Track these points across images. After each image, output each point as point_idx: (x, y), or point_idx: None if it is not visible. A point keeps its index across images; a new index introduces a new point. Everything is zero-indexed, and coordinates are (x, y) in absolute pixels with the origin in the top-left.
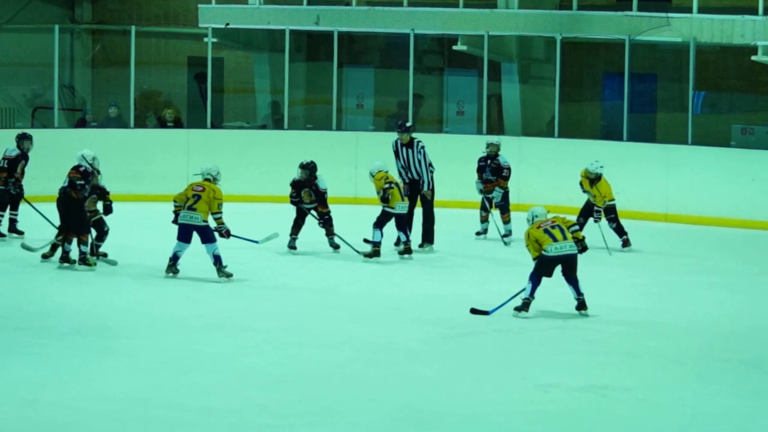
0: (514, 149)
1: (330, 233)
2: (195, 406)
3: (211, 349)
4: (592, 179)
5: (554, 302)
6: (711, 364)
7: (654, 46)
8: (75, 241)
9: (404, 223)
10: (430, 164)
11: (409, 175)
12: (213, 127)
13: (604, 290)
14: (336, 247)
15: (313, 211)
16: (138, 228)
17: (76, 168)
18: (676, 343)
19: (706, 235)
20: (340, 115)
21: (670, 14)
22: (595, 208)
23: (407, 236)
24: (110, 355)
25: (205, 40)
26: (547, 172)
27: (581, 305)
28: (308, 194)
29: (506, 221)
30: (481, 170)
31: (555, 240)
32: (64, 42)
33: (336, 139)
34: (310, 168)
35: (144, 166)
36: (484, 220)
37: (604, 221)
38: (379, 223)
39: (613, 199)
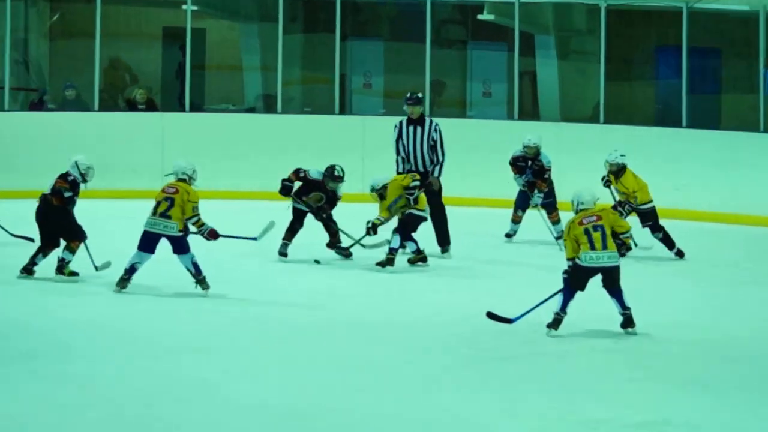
0: (550, 138)
1: (333, 238)
2: None
3: (189, 375)
4: (615, 172)
5: (599, 318)
6: None
7: (717, 15)
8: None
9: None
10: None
11: (412, 164)
12: (192, 110)
13: (656, 304)
14: (348, 255)
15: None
16: (102, 231)
17: (64, 177)
18: (745, 367)
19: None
20: (344, 97)
21: None
22: (626, 207)
23: (416, 242)
24: (67, 382)
25: (184, 7)
26: (591, 164)
27: (627, 322)
28: (318, 198)
29: (556, 221)
30: (520, 170)
31: (593, 247)
32: (18, 11)
33: (339, 125)
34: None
35: (110, 157)
36: (517, 221)
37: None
38: (403, 230)
39: (650, 201)
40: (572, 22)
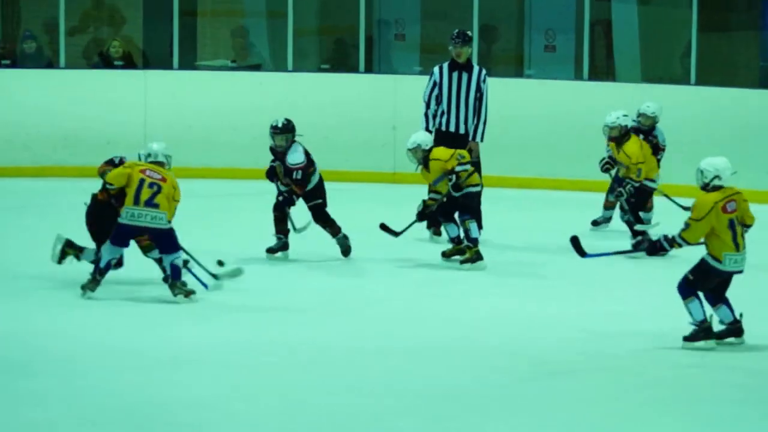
0: (631, 101)
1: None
2: None
3: (184, 393)
4: (616, 138)
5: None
6: None
7: None
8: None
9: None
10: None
11: (450, 121)
12: (182, 67)
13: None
14: (347, 252)
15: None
16: (74, 215)
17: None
18: None
19: None
20: (370, 51)
21: None
22: (628, 187)
23: (458, 227)
24: (41, 401)
25: None
26: (681, 134)
27: (738, 331)
28: (280, 171)
29: (649, 208)
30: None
31: (737, 248)
32: None
33: (365, 86)
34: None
35: (81, 125)
36: (609, 206)
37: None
38: (449, 214)
39: (654, 180)
40: None
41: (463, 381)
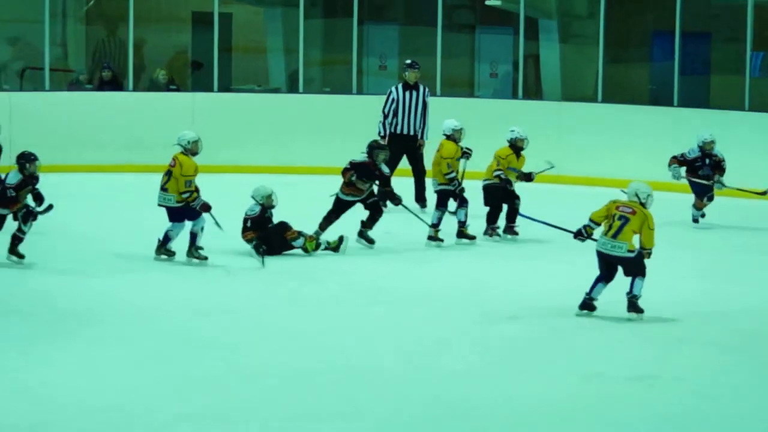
0: (552, 116)
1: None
2: (200, 403)
3: (217, 339)
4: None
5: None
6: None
7: (708, 1)
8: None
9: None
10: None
11: (404, 126)
12: (221, 90)
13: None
14: (371, 241)
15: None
16: (138, 203)
17: None
18: (730, 327)
19: (764, 209)
20: (360, 78)
21: None
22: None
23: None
24: (104, 343)
25: None
26: (590, 140)
27: (630, 306)
28: (362, 182)
29: (701, 207)
30: (695, 169)
31: (607, 231)
32: None
33: (356, 104)
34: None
35: (144, 133)
36: (701, 207)
37: None
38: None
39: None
40: (574, 8)
41: (426, 325)
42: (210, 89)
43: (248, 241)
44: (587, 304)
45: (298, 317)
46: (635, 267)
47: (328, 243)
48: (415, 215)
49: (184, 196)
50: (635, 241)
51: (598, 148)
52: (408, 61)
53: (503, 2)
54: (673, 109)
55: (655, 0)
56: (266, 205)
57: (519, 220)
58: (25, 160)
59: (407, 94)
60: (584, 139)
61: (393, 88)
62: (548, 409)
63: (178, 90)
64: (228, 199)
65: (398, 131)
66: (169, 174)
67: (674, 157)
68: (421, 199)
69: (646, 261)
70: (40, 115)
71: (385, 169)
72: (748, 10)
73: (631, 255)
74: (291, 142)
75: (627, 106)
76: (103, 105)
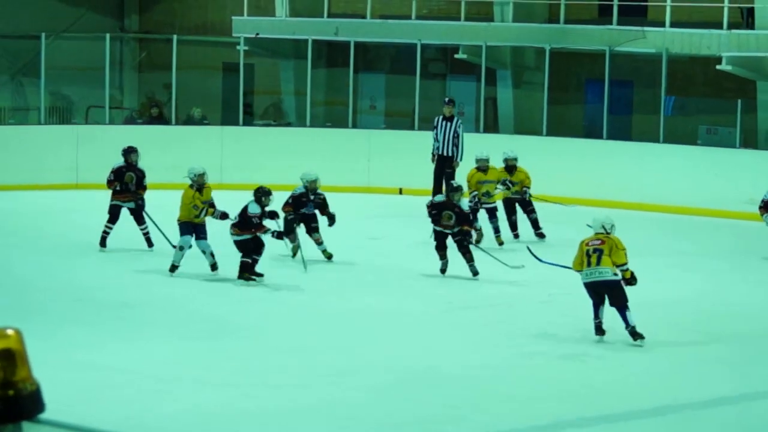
0: (507, 146)
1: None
2: (227, 368)
3: (240, 319)
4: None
5: (544, 280)
6: (674, 335)
7: (631, 55)
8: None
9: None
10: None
11: (442, 149)
12: (245, 124)
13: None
14: (475, 273)
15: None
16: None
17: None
18: (647, 317)
19: (674, 222)
20: (355, 115)
21: (645, 28)
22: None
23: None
24: (152, 325)
25: (238, 48)
26: (538, 166)
27: (633, 335)
28: (449, 216)
29: None
30: None
31: (588, 265)
32: (114, 49)
33: (351, 136)
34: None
35: (183, 158)
36: None
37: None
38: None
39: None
40: (524, 60)
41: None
42: (236, 123)
43: (286, 213)
44: (599, 328)
45: (296, 304)
46: (619, 295)
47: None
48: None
49: (200, 217)
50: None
51: (544, 172)
52: (446, 99)
53: (469, 56)
54: (602, 141)
55: (589, 54)
56: (309, 189)
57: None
58: (262, 194)
59: (444, 123)
60: (533, 165)
61: (436, 118)
62: (497, 378)
63: (209, 124)
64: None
65: (439, 152)
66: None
67: (762, 206)
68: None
69: (630, 287)
70: (101, 144)
71: (465, 207)
72: (663, 63)
73: (616, 278)
74: (300, 165)
75: (566, 138)
76: (151, 136)
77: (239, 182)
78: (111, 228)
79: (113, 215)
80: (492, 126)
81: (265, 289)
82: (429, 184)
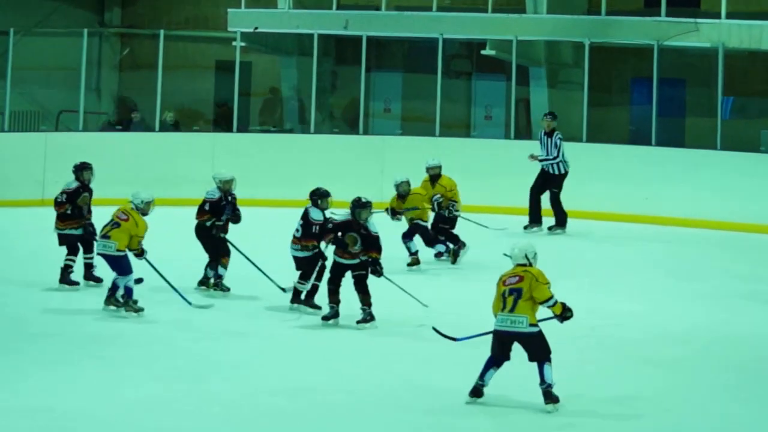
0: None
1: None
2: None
3: (227, 357)
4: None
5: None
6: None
7: (682, 51)
8: None
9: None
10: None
11: (548, 166)
12: (239, 130)
13: (618, 293)
14: (365, 321)
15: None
16: (158, 233)
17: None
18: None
19: (733, 241)
20: (367, 120)
21: (698, 20)
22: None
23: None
24: (127, 364)
25: (234, 44)
26: (576, 176)
27: (546, 397)
28: (354, 240)
29: None
30: None
31: (503, 309)
32: (93, 46)
33: (363, 144)
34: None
35: (168, 170)
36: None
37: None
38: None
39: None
40: (561, 57)
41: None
42: (229, 130)
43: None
44: (477, 390)
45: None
46: (539, 348)
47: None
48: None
49: (134, 252)
50: (542, 312)
51: (584, 183)
52: (547, 112)
53: (497, 52)
54: (650, 148)
55: (634, 50)
56: (224, 190)
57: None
58: (319, 196)
59: (545, 138)
60: (572, 174)
61: (539, 132)
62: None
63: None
64: (246, 230)
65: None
66: (115, 225)
67: None
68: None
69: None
70: (73, 154)
71: (373, 228)
72: (719, 58)
73: (533, 330)
74: (303, 178)
75: (609, 145)
76: (131, 144)
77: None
78: (74, 261)
79: (72, 246)
80: (524, 131)
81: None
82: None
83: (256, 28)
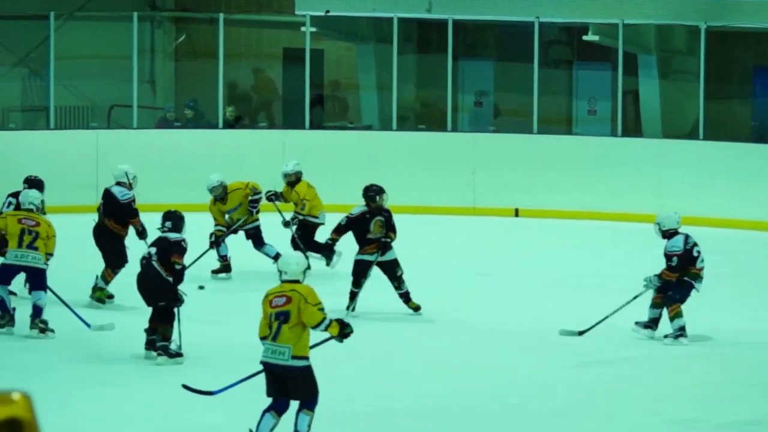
0: (653, 153)
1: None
2: None
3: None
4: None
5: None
6: None
7: None
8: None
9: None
10: None
11: None
12: (312, 127)
13: (726, 312)
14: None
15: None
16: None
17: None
18: None
19: None
20: (455, 115)
21: None
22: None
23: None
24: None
25: (303, 29)
26: (690, 179)
27: None
28: (381, 224)
29: None
30: None
31: (268, 335)
32: (144, 32)
33: (451, 142)
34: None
35: (234, 172)
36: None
37: None
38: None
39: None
40: (673, 43)
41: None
42: (301, 126)
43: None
44: None
45: (372, 361)
46: (304, 387)
47: None
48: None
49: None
50: (315, 338)
51: (699, 187)
52: None
53: (601, 38)
54: None
55: (757, 34)
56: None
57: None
58: (375, 192)
59: None
60: (685, 175)
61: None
62: None
63: (245, 127)
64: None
65: None
66: (35, 233)
67: None
68: None
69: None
70: (128, 154)
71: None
72: None
73: (298, 365)
74: (383, 180)
75: (729, 143)
76: (192, 142)
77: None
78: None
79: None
80: (633, 127)
81: None
82: (555, 203)
83: (328, 11)
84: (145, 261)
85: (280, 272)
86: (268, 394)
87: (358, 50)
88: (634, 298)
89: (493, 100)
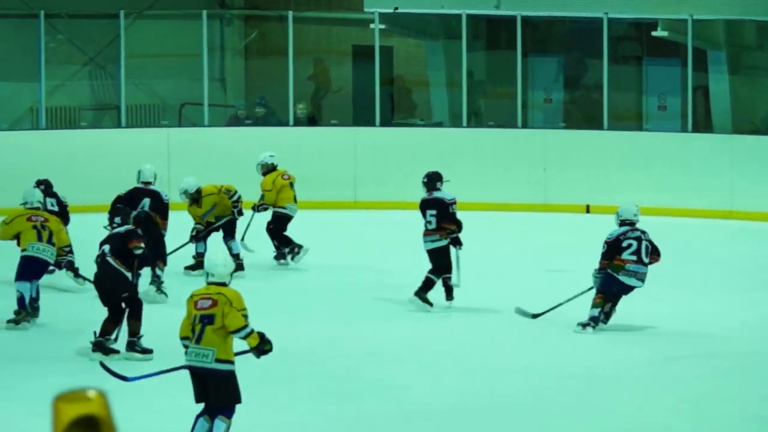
0: (723, 149)
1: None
2: None
3: (372, 376)
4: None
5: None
6: None
7: None
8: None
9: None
10: None
11: None
12: (382, 124)
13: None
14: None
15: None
16: (305, 239)
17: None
18: None
19: None
20: (525, 111)
21: None
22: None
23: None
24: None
25: (372, 26)
26: (762, 174)
27: None
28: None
29: None
30: None
31: (192, 337)
32: (213, 29)
33: (521, 138)
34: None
35: (305, 170)
36: None
37: None
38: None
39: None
40: (743, 38)
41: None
42: (372, 124)
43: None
44: None
45: (437, 355)
46: (225, 392)
47: None
48: None
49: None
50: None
51: None
52: None
53: (670, 33)
54: None
55: None
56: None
57: None
58: (437, 179)
59: None
60: (757, 175)
61: None
62: None
63: (317, 124)
64: (389, 237)
65: None
66: (48, 231)
67: None
68: None
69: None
70: (200, 151)
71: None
72: None
73: (222, 368)
74: (455, 177)
75: None
76: (263, 140)
77: (376, 199)
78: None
79: None
80: (704, 123)
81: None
82: (625, 199)
83: (396, 8)
84: (100, 259)
85: (207, 274)
86: (197, 400)
87: (427, 47)
88: (589, 289)
89: (563, 97)
